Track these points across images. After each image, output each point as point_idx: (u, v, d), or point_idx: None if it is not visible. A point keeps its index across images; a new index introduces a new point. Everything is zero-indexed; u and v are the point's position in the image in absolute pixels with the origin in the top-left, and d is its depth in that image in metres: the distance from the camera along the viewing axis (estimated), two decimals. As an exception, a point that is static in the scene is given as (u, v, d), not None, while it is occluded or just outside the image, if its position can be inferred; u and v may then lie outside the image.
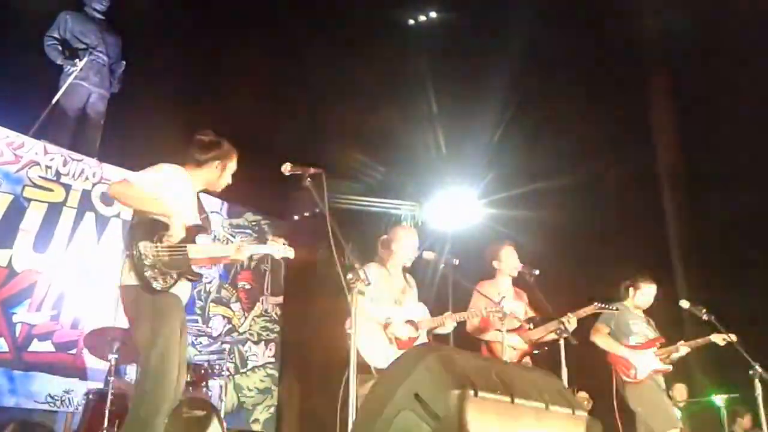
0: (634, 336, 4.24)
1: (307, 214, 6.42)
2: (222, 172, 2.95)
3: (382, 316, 3.48)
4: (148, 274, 2.62)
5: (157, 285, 2.64)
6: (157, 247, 2.67)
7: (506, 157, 6.98)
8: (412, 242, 3.72)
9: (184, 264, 2.74)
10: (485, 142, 7.14)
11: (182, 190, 2.84)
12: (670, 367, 4.25)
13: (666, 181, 7.52)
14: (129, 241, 2.69)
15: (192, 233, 2.81)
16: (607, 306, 3.95)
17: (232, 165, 3.00)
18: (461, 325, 3.82)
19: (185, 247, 2.74)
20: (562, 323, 3.60)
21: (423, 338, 3.58)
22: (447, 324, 3.61)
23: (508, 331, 3.69)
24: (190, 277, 2.78)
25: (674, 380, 6.13)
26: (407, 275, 3.82)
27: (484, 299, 3.76)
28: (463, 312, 3.72)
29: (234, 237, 6.00)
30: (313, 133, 6.50)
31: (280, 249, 3.03)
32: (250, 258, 6.08)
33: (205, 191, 3.04)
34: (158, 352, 2.57)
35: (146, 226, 2.71)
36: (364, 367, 3.12)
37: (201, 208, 2.97)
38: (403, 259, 3.69)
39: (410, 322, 3.56)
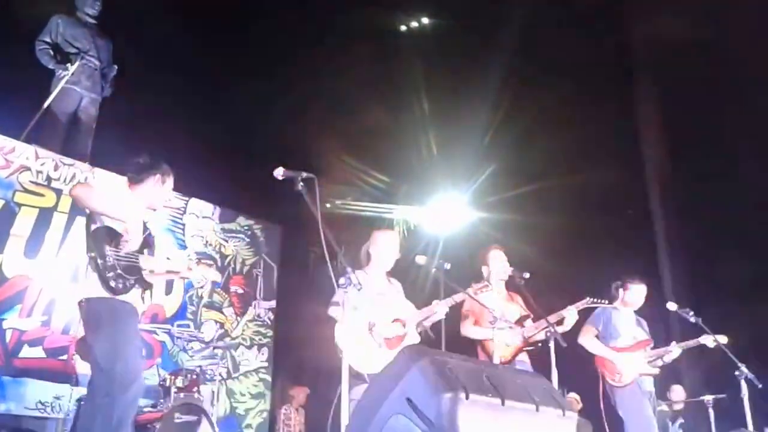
0: (622, 338, 4.24)
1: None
2: (162, 185, 3.09)
3: (363, 320, 3.37)
4: (110, 275, 2.76)
5: (118, 285, 2.77)
6: (117, 251, 2.81)
7: (497, 161, 7.04)
8: (390, 245, 3.62)
9: (137, 272, 2.87)
10: (476, 146, 7.19)
11: (130, 205, 2.99)
12: (657, 371, 4.26)
13: (654, 183, 7.60)
14: (92, 245, 2.80)
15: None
16: (599, 300, 3.96)
17: (170, 182, 3.14)
18: (455, 327, 3.81)
19: (137, 256, 2.89)
20: (552, 325, 3.62)
21: (412, 335, 3.47)
22: (438, 310, 3.46)
23: (500, 329, 3.67)
24: (143, 285, 2.91)
25: (669, 382, 6.19)
26: (391, 279, 3.72)
27: (477, 304, 3.77)
28: (455, 295, 3.56)
29: (227, 241, 6.00)
30: (305, 137, 6.51)
31: (210, 275, 3.54)
32: (242, 263, 6.09)
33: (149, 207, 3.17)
34: (123, 362, 2.74)
35: (105, 232, 2.83)
36: (355, 375, 3.03)
37: (143, 228, 3.08)
38: (383, 263, 3.59)
39: (397, 320, 3.48)
